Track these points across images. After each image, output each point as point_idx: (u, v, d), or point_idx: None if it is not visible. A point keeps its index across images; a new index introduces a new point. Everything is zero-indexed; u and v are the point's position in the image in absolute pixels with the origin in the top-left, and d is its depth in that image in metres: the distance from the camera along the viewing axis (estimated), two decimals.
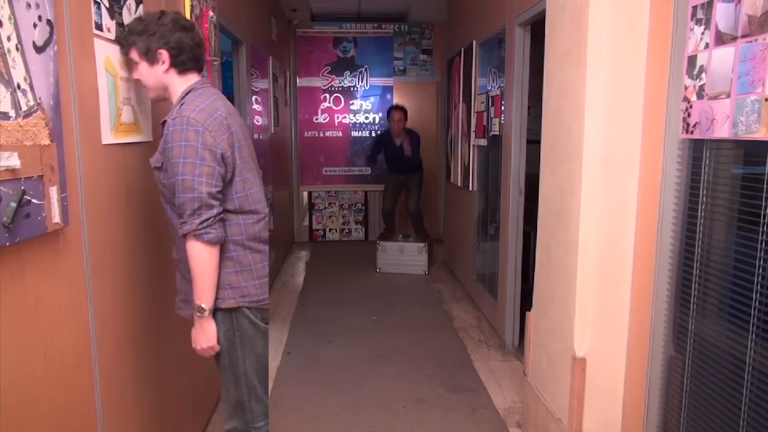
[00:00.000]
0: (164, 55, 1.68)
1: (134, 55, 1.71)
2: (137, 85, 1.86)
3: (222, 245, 1.67)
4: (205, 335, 1.70)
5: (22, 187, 1.23)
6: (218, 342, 1.73)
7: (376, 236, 6.27)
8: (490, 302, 4.18)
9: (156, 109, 2.08)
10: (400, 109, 5.79)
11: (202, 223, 1.58)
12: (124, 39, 1.73)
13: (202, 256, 1.61)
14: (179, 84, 1.72)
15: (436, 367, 3.46)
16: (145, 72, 1.72)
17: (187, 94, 1.69)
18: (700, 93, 1.71)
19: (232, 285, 1.71)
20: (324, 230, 7.19)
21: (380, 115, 6.92)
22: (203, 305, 1.66)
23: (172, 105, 1.71)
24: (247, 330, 1.76)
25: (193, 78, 1.74)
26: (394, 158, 5.91)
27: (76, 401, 1.53)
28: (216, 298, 1.69)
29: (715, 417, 1.72)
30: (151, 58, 1.68)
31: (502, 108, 3.72)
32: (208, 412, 2.80)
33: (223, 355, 1.76)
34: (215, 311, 1.71)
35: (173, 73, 1.71)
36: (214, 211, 1.61)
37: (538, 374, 2.62)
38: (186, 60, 1.71)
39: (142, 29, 1.67)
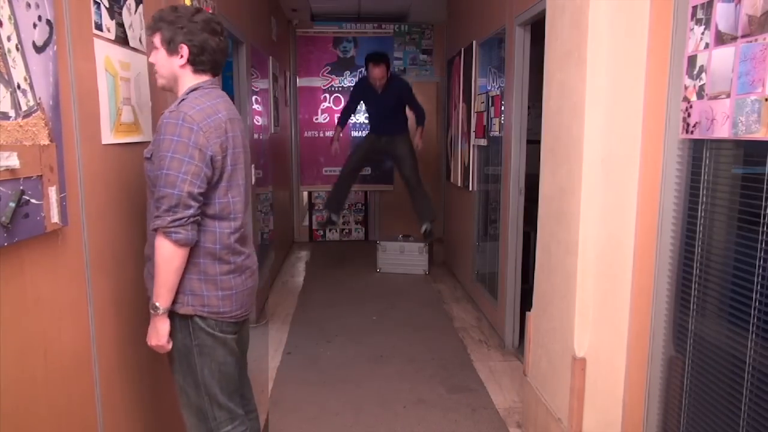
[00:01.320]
0: (185, 50, 1.67)
1: (157, 40, 1.69)
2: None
3: (192, 250, 1.64)
4: (156, 333, 1.67)
5: (21, 187, 1.23)
6: (176, 347, 1.70)
7: (376, 236, 6.27)
8: (490, 302, 4.18)
9: (156, 109, 2.07)
10: (381, 61, 4.75)
11: (174, 221, 1.55)
12: (153, 23, 1.70)
13: (167, 255, 1.58)
14: (190, 80, 1.71)
15: (436, 367, 3.45)
16: (162, 59, 1.70)
17: (192, 90, 1.68)
18: (700, 93, 1.71)
19: (193, 292, 1.67)
20: (324, 230, 7.18)
21: None
22: (157, 304, 1.62)
23: (176, 98, 1.70)
24: (204, 340, 1.71)
25: (205, 78, 1.73)
26: (377, 113, 4.99)
27: (76, 401, 1.53)
28: (175, 302, 1.66)
29: (715, 417, 1.72)
30: (172, 49, 1.67)
31: (502, 108, 3.71)
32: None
33: (181, 361, 1.73)
34: (173, 315, 1.67)
35: (188, 69, 1.70)
36: (191, 211, 1.57)
37: (538, 374, 2.62)
38: (205, 61, 1.70)
39: (173, 20, 1.66)
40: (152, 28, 1.71)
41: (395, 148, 5.03)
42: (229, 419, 1.80)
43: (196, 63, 1.69)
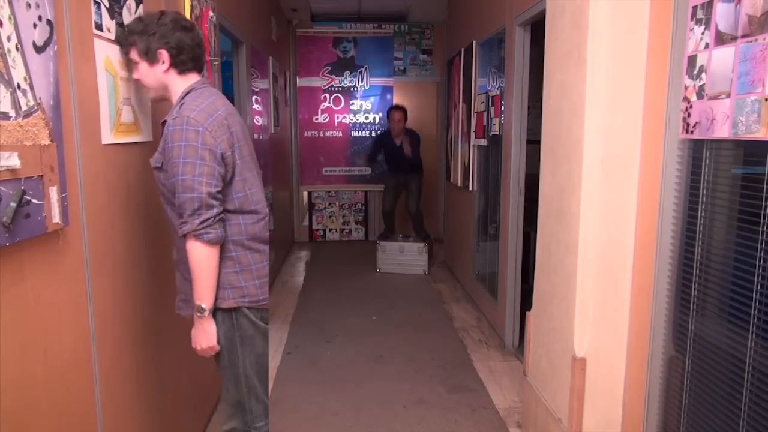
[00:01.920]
0: (164, 55, 1.68)
1: (134, 55, 1.71)
2: (137, 86, 1.86)
3: (222, 245, 1.67)
4: (206, 335, 1.70)
5: (22, 187, 1.23)
6: (218, 342, 1.73)
7: (376, 236, 6.27)
8: (490, 302, 4.18)
9: (156, 109, 2.08)
10: (400, 109, 5.75)
11: (202, 223, 1.58)
12: (124, 39, 1.73)
13: (202, 256, 1.61)
14: (179, 84, 1.72)
15: (436, 367, 3.46)
16: (145, 72, 1.72)
17: (187, 94, 1.69)
18: (700, 93, 1.71)
19: (232, 285, 1.71)
20: (324, 230, 7.19)
21: (380, 115, 6.93)
22: (203, 305, 1.66)
23: (172, 105, 1.71)
24: (247, 330, 1.76)
25: (193, 78, 1.74)
26: (393, 158, 5.86)
27: (76, 401, 1.53)
28: (216, 298, 1.69)
29: (715, 417, 1.72)
30: (152, 58, 1.69)
31: (502, 108, 3.72)
32: (209, 412, 2.80)
33: (223, 355, 1.76)
34: (215, 311, 1.71)
35: (173, 73, 1.71)
36: (214, 211, 1.61)
37: (538, 374, 2.62)
38: (186, 60, 1.71)
39: (142, 29, 1.68)
40: (125, 45, 1.73)
41: (409, 184, 5.97)
42: (263, 414, 1.84)
43: (178, 64, 1.70)
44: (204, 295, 1.65)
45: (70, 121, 1.49)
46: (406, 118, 5.72)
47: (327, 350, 3.73)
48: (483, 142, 4.19)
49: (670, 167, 1.90)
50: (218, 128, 1.63)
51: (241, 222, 1.72)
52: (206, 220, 1.59)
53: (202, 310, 1.66)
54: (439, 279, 5.49)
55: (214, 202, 1.61)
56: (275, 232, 5.33)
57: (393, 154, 5.86)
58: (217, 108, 1.67)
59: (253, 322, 1.77)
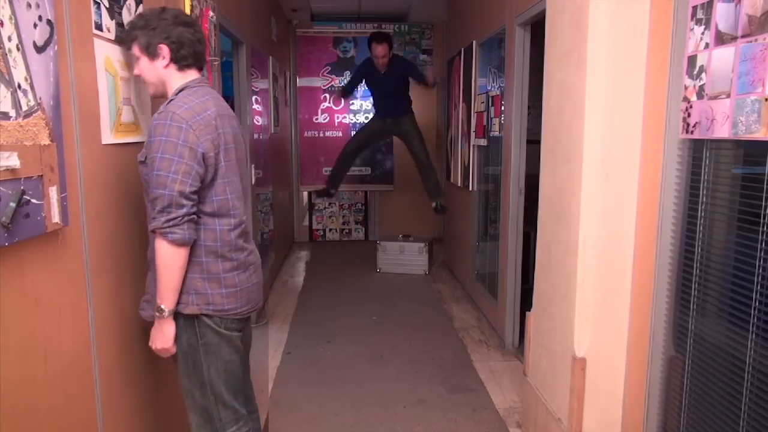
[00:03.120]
0: (165, 50, 1.67)
1: (136, 50, 1.70)
2: (138, 81, 1.86)
3: (193, 249, 1.64)
4: (162, 336, 1.67)
5: (22, 187, 1.23)
6: (181, 348, 1.70)
7: (376, 236, 6.26)
8: (490, 302, 4.18)
9: (156, 109, 2.07)
10: (384, 40, 4.77)
11: (167, 221, 1.55)
12: (126, 34, 1.72)
13: (166, 256, 1.58)
14: (177, 80, 1.71)
15: (436, 367, 3.46)
16: (145, 67, 1.71)
17: (180, 90, 1.69)
18: (700, 93, 1.71)
19: (197, 291, 1.67)
20: (324, 230, 7.19)
21: None
22: (163, 306, 1.62)
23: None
24: (210, 338, 1.71)
25: (191, 75, 1.74)
26: (381, 94, 5.01)
27: (76, 402, 1.53)
28: (179, 303, 1.65)
29: (715, 417, 1.72)
30: (152, 53, 1.68)
31: (502, 108, 3.72)
32: None
33: (186, 361, 1.72)
34: (178, 316, 1.67)
35: (173, 68, 1.71)
36: (184, 210, 1.56)
37: (538, 374, 2.62)
38: (186, 55, 1.70)
39: (144, 24, 1.67)
40: (127, 40, 1.73)
41: (401, 126, 5.05)
42: (234, 419, 1.80)
43: (178, 59, 1.70)
44: (165, 295, 1.61)
45: (70, 121, 1.49)
46: (391, 50, 4.85)
47: (327, 350, 3.73)
48: (483, 142, 4.19)
49: (670, 167, 1.90)
50: (204, 127, 1.61)
51: (217, 227, 1.68)
52: (173, 219, 1.55)
53: (161, 310, 1.62)
54: (439, 279, 5.49)
55: (186, 202, 1.57)
56: (275, 232, 5.33)
57: (379, 89, 5.00)
58: (207, 108, 1.65)
59: (216, 330, 1.71)
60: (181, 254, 1.59)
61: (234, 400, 1.79)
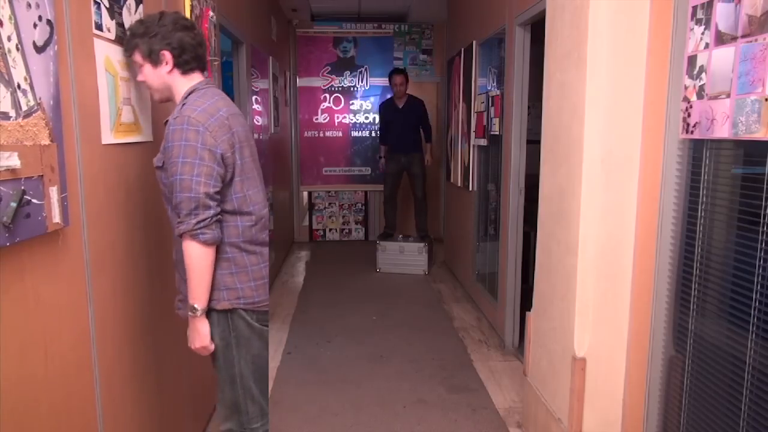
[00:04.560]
0: (167, 56, 1.68)
1: (138, 57, 1.71)
2: (142, 88, 1.86)
3: (218, 246, 1.68)
4: (199, 335, 1.71)
5: (22, 187, 1.23)
6: (213, 342, 1.74)
7: (376, 236, 6.26)
8: (490, 302, 4.18)
9: (156, 109, 2.08)
10: (401, 72, 5.74)
11: (198, 223, 1.58)
12: (127, 42, 1.74)
13: (197, 256, 1.62)
14: (183, 84, 1.73)
15: (436, 367, 3.46)
16: (149, 74, 1.72)
17: (190, 94, 1.70)
18: (700, 93, 1.71)
19: (227, 286, 1.71)
20: (324, 230, 7.18)
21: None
22: (196, 305, 1.66)
23: (176, 105, 1.72)
24: (242, 331, 1.76)
25: (196, 78, 1.75)
26: (396, 128, 5.80)
27: (76, 401, 1.53)
28: (211, 299, 1.69)
29: (715, 417, 1.72)
30: (155, 60, 1.69)
31: (502, 108, 3.72)
32: (209, 412, 2.80)
33: (218, 356, 1.76)
34: (211, 312, 1.71)
35: (177, 73, 1.72)
36: (211, 211, 1.61)
37: (538, 374, 2.62)
38: (189, 59, 1.71)
39: (144, 31, 1.68)
40: (129, 48, 1.74)
41: (412, 166, 5.87)
42: (260, 415, 1.84)
43: (181, 64, 1.71)
44: (198, 295, 1.65)
45: (70, 121, 1.49)
46: (407, 81, 5.74)
47: (327, 350, 3.73)
48: (483, 142, 4.19)
49: (670, 167, 1.90)
50: (219, 128, 1.63)
51: (239, 224, 1.72)
52: (203, 220, 1.59)
53: (194, 310, 1.67)
54: (439, 279, 5.49)
55: (212, 203, 1.61)
56: (275, 232, 5.33)
57: (396, 123, 5.80)
58: (219, 108, 1.67)
59: (249, 323, 1.76)
60: (210, 254, 1.64)
61: (261, 396, 1.84)
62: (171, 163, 1.60)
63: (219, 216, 1.65)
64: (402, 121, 5.76)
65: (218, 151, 1.62)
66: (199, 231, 1.59)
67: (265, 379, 1.87)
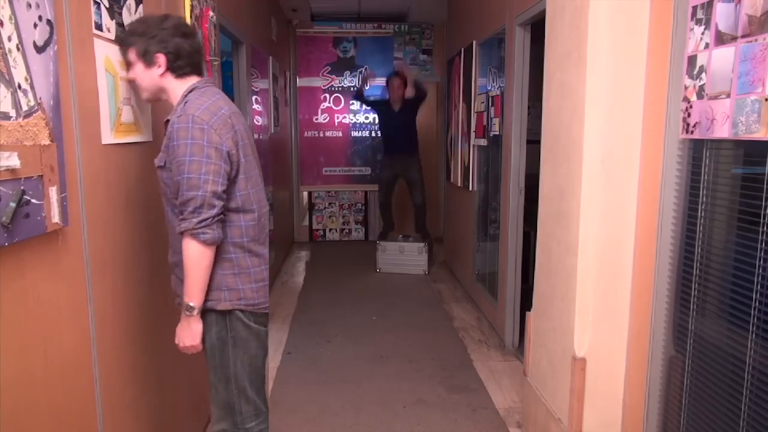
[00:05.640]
0: (161, 59, 1.68)
1: (131, 55, 1.71)
2: (131, 84, 1.86)
3: (221, 246, 1.67)
4: (191, 334, 1.70)
5: (22, 187, 1.23)
6: (210, 342, 1.73)
7: (376, 236, 6.26)
8: (490, 302, 4.18)
9: (156, 109, 2.08)
10: (399, 75, 5.67)
11: (200, 222, 1.58)
12: (124, 39, 1.73)
13: (196, 255, 1.61)
14: (178, 86, 1.72)
15: (436, 367, 3.46)
16: (140, 73, 1.72)
17: (190, 92, 1.70)
18: (700, 93, 1.71)
19: (229, 287, 1.71)
20: (324, 230, 7.18)
21: None
22: (192, 304, 1.65)
23: (174, 104, 1.71)
24: (240, 332, 1.75)
25: (192, 80, 1.74)
26: (390, 130, 5.73)
27: (76, 401, 1.53)
28: (212, 299, 1.69)
29: (715, 417, 1.72)
30: (149, 61, 1.69)
31: (502, 108, 3.72)
32: (208, 412, 2.80)
33: (213, 355, 1.75)
34: (209, 312, 1.70)
35: (170, 76, 1.71)
36: (215, 211, 1.60)
37: (538, 374, 2.62)
38: (183, 65, 1.71)
39: (143, 31, 1.68)
40: (124, 44, 1.73)
41: (409, 172, 5.76)
42: (254, 414, 1.83)
43: (175, 69, 1.71)
44: (194, 293, 1.65)
45: (70, 121, 1.49)
46: (405, 86, 5.65)
47: (327, 350, 3.73)
48: (483, 142, 4.19)
49: (670, 167, 1.90)
50: (223, 126, 1.63)
51: (242, 222, 1.71)
52: (205, 219, 1.58)
53: (190, 308, 1.66)
54: (439, 279, 5.49)
55: (217, 202, 1.60)
56: (275, 232, 5.33)
57: (390, 125, 5.73)
58: (221, 107, 1.67)
59: (246, 324, 1.76)
60: (209, 253, 1.63)
61: (256, 396, 1.83)
62: (177, 163, 1.59)
63: (221, 216, 1.64)
64: (397, 123, 5.69)
65: (224, 148, 1.61)
66: (200, 230, 1.58)
67: (262, 379, 1.86)
